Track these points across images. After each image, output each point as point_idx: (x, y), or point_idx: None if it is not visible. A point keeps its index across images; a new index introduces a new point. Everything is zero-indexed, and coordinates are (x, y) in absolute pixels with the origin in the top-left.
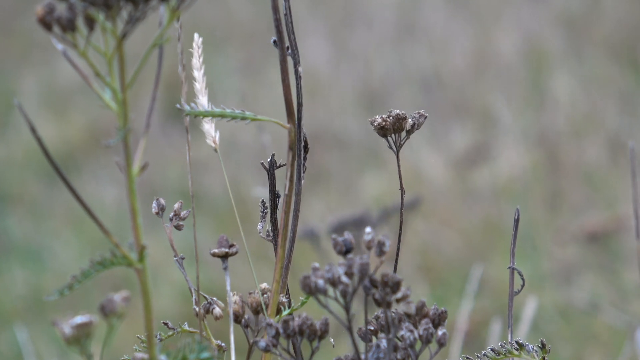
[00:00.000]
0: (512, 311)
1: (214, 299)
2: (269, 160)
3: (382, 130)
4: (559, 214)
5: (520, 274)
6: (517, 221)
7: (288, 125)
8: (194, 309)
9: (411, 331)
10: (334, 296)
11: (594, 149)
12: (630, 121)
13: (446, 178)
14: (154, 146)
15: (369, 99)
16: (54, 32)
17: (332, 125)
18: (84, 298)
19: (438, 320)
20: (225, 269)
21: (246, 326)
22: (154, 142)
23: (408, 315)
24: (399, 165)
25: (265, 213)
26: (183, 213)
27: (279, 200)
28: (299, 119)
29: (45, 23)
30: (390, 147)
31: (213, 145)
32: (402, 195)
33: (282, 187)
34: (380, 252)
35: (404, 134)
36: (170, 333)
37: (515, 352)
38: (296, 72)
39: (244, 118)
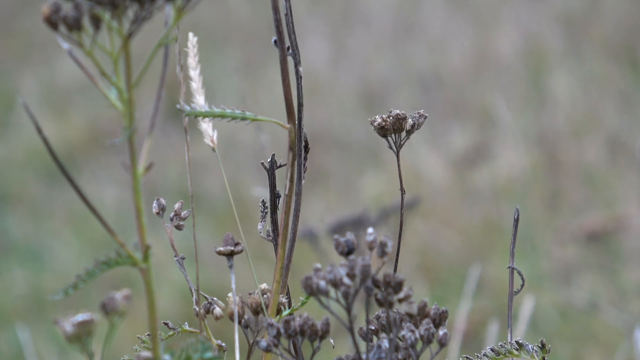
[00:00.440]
0: (512, 311)
1: (214, 299)
2: (269, 160)
3: (382, 131)
4: (558, 214)
5: (519, 273)
6: (516, 221)
7: (288, 126)
8: (195, 309)
9: (412, 331)
10: (335, 297)
11: (593, 149)
12: (630, 121)
13: (445, 178)
14: (154, 146)
15: (368, 99)
16: (60, 31)
17: (331, 125)
18: (84, 298)
19: (439, 320)
20: (230, 267)
21: (246, 326)
22: (154, 142)
23: (409, 315)
24: (399, 166)
25: (266, 213)
26: (183, 213)
27: (279, 200)
28: (300, 119)
29: (51, 22)
30: (391, 147)
31: (211, 144)
32: (402, 195)
33: (282, 187)
34: (382, 253)
35: (404, 134)
36: (170, 333)
37: (515, 352)
38: (297, 72)
39: (244, 118)
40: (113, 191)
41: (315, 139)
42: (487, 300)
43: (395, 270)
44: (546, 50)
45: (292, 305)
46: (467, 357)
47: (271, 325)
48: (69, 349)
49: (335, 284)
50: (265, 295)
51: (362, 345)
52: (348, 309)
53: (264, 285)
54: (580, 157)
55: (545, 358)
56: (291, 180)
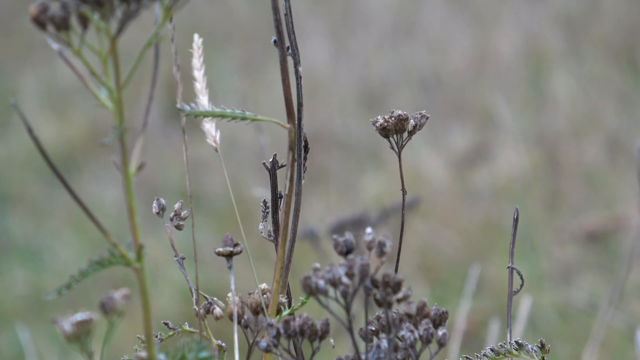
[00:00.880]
0: (511, 311)
1: (214, 299)
2: (270, 160)
3: (384, 131)
4: (558, 214)
5: (519, 273)
6: (516, 221)
7: (288, 125)
8: (194, 309)
9: (412, 331)
10: (334, 297)
11: (593, 149)
12: (630, 121)
13: (446, 178)
14: (154, 146)
15: (368, 99)
16: (48, 31)
17: (331, 125)
18: (84, 297)
19: (439, 320)
20: (230, 267)
21: (246, 326)
22: (154, 142)
23: (409, 316)
24: (400, 166)
25: (267, 213)
26: (183, 213)
27: (281, 200)
28: (299, 119)
29: (39, 22)
30: (392, 148)
31: (214, 144)
32: (403, 195)
33: (282, 187)
34: (381, 253)
35: (405, 134)
36: (170, 333)
37: (515, 352)
38: (296, 72)
39: (244, 118)
40: (114, 191)
41: (315, 139)
42: (487, 300)
43: (396, 270)
44: (546, 50)
45: (292, 305)
46: (467, 357)
47: (271, 325)
48: (70, 349)
49: (334, 283)
50: (265, 295)
51: (362, 346)
52: (347, 309)
53: (263, 285)
54: (580, 157)
55: (545, 358)
56: (291, 180)
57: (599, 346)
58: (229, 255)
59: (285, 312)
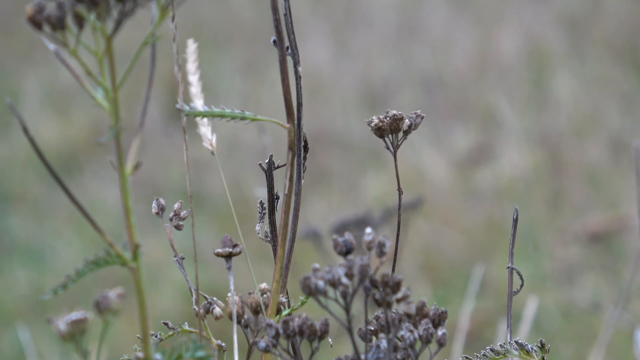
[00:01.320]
0: (512, 311)
1: (214, 298)
2: (266, 161)
3: (379, 131)
4: (561, 214)
5: (519, 273)
6: (515, 221)
7: (288, 125)
8: (194, 308)
9: (411, 331)
10: (334, 297)
11: (596, 149)
12: (632, 121)
13: (448, 178)
14: (155, 146)
15: (370, 99)
16: (45, 31)
17: (334, 125)
18: (84, 297)
19: (438, 320)
20: (229, 268)
21: (246, 326)
22: (155, 142)
23: (408, 316)
24: (396, 166)
25: (264, 214)
26: (183, 213)
27: (278, 201)
28: (299, 118)
29: (35, 22)
30: (388, 148)
31: (210, 148)
32: (399, 195)
33: (281, 187)
34: (381, 253)
35: (401, 134)
36: (170, 333)
37: (515, 352)
38: (296, 72)
39: (243, 118)
40: (116, 191)
41: (317, 138)
42: (490, 301)
43: (394, 269)
44: (548, 50)
45: (292, 305)
46: (467, 357)
47: (270, 325)
48: (71, 349)
49: (334, 283)
50: (265, 295)
51: (362, 346)
52: (347, 309)
53: (263, 285)
54: (582, 157)
55: (545, 358)
56: (290, 180)
57: (604, 347)
58: (228, 256)
59: (285, 312)
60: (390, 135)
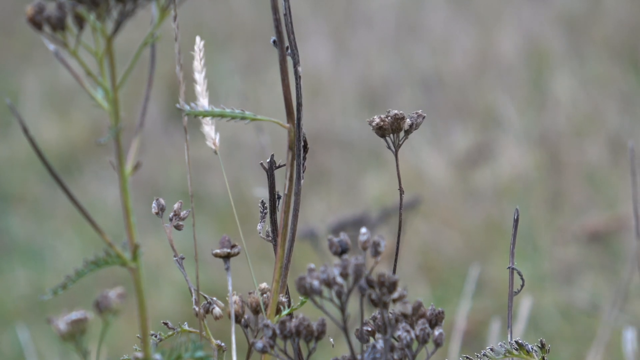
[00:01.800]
0: (512, 311)
1: (214, 298)
2: (268, 160)
3: (381, 131)
4: (560, 214)
5: (519, 273)
6: (516, 221)
7: (287, 125)
8: (194, 308)
9: (408, 331)
10: (329, 297)
11: (595, 149)
12: (631, 121)
13: (448, 178)
14: (156, 146)
15: (370, 99)
16: (45, 32)
17: (333, 125)
18: (84, 297)
19: (435, 320)
20: (227, 269)
21: (246, 326)
22: (156, 142)
23: (405, 316)
24: (397, 165)
25: (265, 213)
26: (183, 213)
27: (279, 200)
28: (299, 118)
29: (35, 22)
30: (389, 147)
31: (213, 147)
32: (401, 195)
33: (281, 187)
34: (376, 253)
35: (402, 134)
36: (170, 333)
37: (515, 352)
38: (296, 72)
39: (243, 118)
40: (116, 191)
41: (317, 138)
42: (488, 301)
43: (394, 270)
44: (548, 50)
45: (292, 304)
46: (467, 357)
47: (267, 326)
48: (71, 349)
49: (329, 283)
50: (265, 295)
51: (359, 346)
52: (342, 309)
53: (263, 285)
54: (582, 157)
55: (545, 358)
56: (290, 180)
57: (602, 347)
58: (226, 257)
59: (285, 312)
60: (391, 135)
